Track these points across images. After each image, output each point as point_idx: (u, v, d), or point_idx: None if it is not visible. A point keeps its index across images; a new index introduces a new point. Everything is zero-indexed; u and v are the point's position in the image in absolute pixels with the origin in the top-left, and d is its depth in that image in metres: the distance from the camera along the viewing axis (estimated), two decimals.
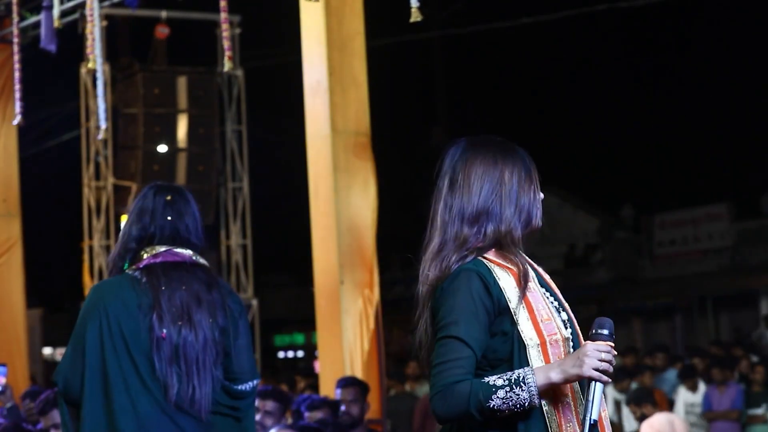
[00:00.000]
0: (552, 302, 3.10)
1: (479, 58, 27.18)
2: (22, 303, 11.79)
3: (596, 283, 23.62)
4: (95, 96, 11.70)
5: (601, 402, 2.94)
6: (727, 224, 22.44)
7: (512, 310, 2.99)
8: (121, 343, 3.88)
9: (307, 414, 6.94)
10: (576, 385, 3.01)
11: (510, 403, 2.88)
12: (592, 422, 2.90)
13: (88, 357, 3.89)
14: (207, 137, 13.77)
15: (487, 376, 2.93)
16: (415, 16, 7.09)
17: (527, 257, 3.17)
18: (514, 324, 2.99)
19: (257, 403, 6.00)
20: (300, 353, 28.60)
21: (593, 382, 2.91)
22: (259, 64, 17.79)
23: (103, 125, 9.96)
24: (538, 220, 3.15)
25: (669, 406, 11.28)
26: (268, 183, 17.96)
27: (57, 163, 17.25)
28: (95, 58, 8.99)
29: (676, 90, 26.92)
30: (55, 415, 6.06)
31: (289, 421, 7.56)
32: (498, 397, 2.87)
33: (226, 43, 8.26)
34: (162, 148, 13.60)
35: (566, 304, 3.15)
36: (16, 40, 9.92)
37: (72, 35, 10.94)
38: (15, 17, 9.87)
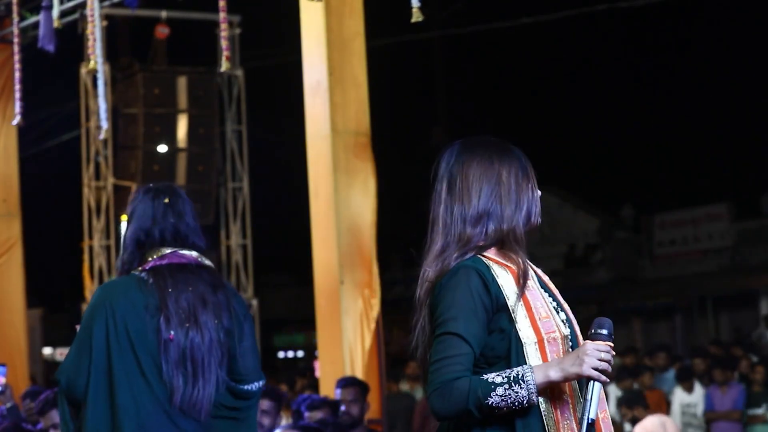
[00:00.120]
0: (551, 302, 3.11)
1: (479, 58, 27.20)
2: (22, 303, 11.79)
3: (596, 283, 23.63)
4: (95, 96, 11.71)
5: (599, 401, 2.94)
6: (727, 224, 22.45)
7: (510, 308, 2.99)
8: (127, 342, 3.89)
9: (307, 414, 6.94)
10: (575, 384, 3.01)
11: (509, 401, 2.88)
12: (590, 421, 2.91)
13: (94, 356, 3.89)
14: (207, 137, 13.77)
15: (485, 374, 2.93)
16: (417, 17, 7.09)
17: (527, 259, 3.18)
18: (511, 322, 2.99)
19: None
20: (300, 353, 28.61)
21: (592, 381, 2.91)
22: (259, 64, 17.79)
23: (104, 125, 9.95)
24: (537, 217, 3.16)
25: (668, 406, 11.30)
26: (268, 183, 17.97)
27: (57, 163, 17.26)
28: (96, 59, 8.98)
29: (676, 90, 26.94)
30: (54, 415, 6.05)
31: (284, 421, 7.56)
32: (497, 394, 2.88)
33: (224, 44, 8.26)
34: (162, 148, 13.60)
35: (565, 305, 3.16)
36: (16, 40, 9.92)
37: (72, 35, 10.95)
38: (15, 17, 9.87)
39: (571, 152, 26.91)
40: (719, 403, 11.09)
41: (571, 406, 2.99)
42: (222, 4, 8.22)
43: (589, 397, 2.91)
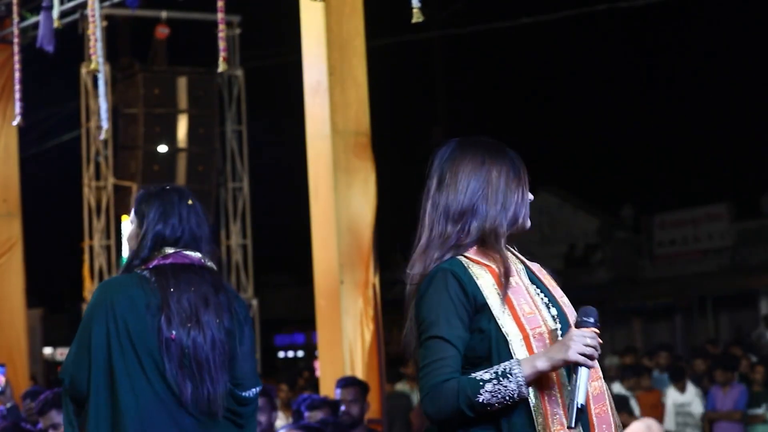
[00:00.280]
0: (542, 298, 3.11)
1: (479, 58, 27.19)
2: (22, 303, 11.79)
3: (596, 283, 23.62)
4: (95, 96, 11.72)
5: (587, 387, 2.94)
6: (727, 224, 22.45)
7: (489, 307, 3.00)
8: (127, 341, 3.88)
9: (307, 414, 6.95)
10: (563, 377, 3.00)
11: (499, 396, 2.89)
12: (578, 407, 2.91)
13: (93, 354, 3.89)
14: (207, 137, 13.79)
15: (472, 373, 2.94)
16: (417, 17, 7.08)
17: (518, 254, 3.19)
18: (491, 321, 3.00)
19: None
20: (300, 353, 28.62)
21: (579, 367, 2.92)
22: (259, 64, 17.79)
23: (104, 125, 9.95)
24: (525, 220, 3.17)
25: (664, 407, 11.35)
26: (268, 183, 17.97)
27: (57, 163, 17.27)
28: (97, 59, 8.98)
29: (676, 90, 26.95)
30: (54, 416, 6.05)
31: (281, 422, 7.57)
32: (486, 390, 2.89)
33: (221, 44, 8.25)
34: (162, 148, 13.61)
35: (561, 300, 3.15)
36: (16, 40, 9.91)
37: (72, 35, 10.95)
38: (15, 17, 9.87)
39: (571, 152, 26.92)
40: (720, 403, 11.11)
41: (559, 398, 2.99)
42: (220, 4, 8.22)
43: (576, 383, 2.92)
